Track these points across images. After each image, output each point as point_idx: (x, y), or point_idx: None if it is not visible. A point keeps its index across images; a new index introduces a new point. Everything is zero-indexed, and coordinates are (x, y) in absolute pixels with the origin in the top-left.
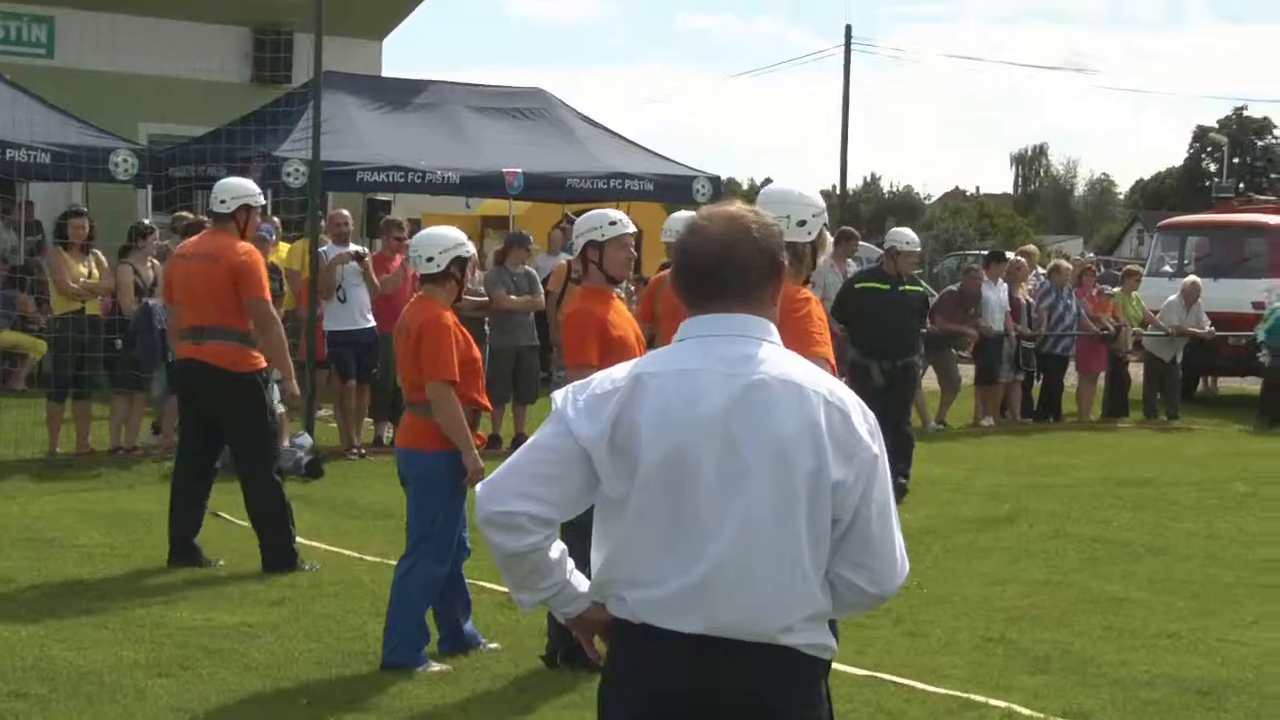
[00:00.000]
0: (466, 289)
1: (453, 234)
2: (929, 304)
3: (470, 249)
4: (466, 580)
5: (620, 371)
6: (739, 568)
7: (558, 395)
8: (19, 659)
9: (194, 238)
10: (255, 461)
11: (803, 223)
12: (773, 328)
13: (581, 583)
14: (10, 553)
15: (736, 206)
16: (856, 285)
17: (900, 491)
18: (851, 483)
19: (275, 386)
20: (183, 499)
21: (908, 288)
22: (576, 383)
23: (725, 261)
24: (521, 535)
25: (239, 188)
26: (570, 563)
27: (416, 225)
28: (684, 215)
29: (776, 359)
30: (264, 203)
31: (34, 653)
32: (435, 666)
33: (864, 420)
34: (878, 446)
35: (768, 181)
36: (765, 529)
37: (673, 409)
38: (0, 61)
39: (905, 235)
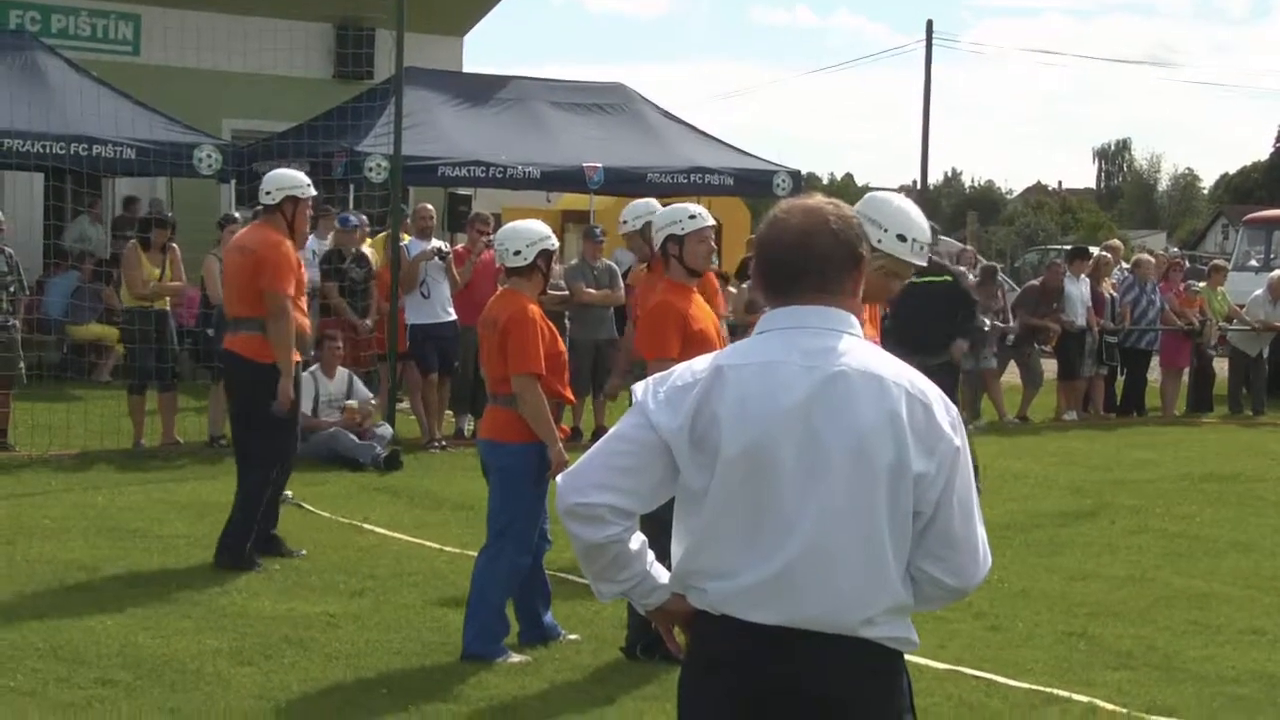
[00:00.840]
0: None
1: (539, 227)
2: (964, 294)
3: (555, 242)
4: (547, 571)
5: (701, 364)
6: (819, 560)
7: (638, 387)
8: (105, 646)
9: (243, 229)
10: (261, 452)
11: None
12: (854, 319)
13: (661, 574)
14: (96, 542)
15: (815, 199)
16: None
17: None
18: (933, 475)
19: (356, 381)
20: None
21: (932, 279)
22: (657, 375)
23: (804, 253)
24: (602, 527)
25: (284, 179)
26: (650, 554)
27: (498, 220)
28: (642, 203)
29: (857, 351)
30: (313, 194)
31: (119, 640)
32: (515, 657)
33: (946, 412)
34: (960, 439)
35: (848, 177)
36: (845, 521)
37: (753, 401)
38: (88, 59)
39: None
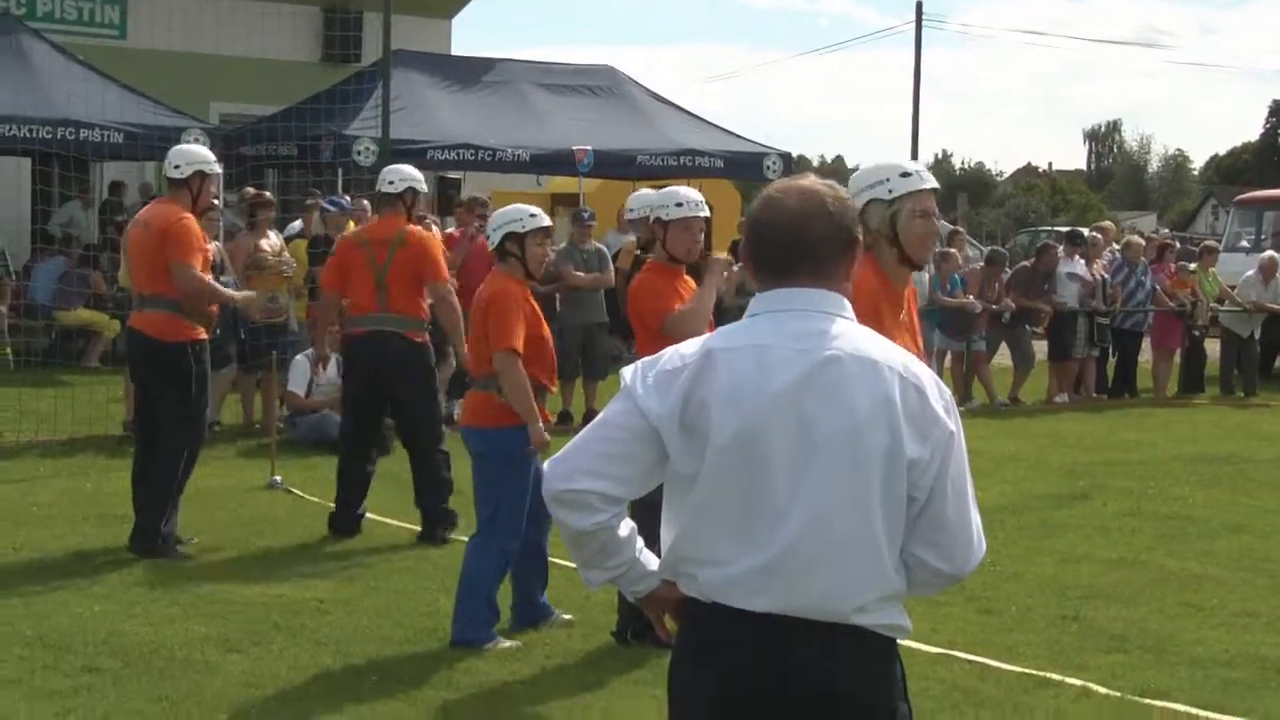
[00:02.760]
0: None
1: (525, 211)
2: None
3: (547, 221)
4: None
5: (690, 347)
6: (811, 548)
7: (626, 372)
8: (92, 634)
9: (146, 206)
10: (172, 434)
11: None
12: (846, 303)
13: (651, 561)
14: (83, 529)
15: (810, 180)
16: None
17: None
18: (927, 460)
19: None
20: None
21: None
22: (646, 359)
23: (798, 236)
24: (590, 513)
25: (193, 154)
26: (639, 541)
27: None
28: (643, 194)
29: (850, 334)
30: (219, 171)
31: (106, 627)
32: (504, 643)
33: (940, 397)
34: (954, 424)
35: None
36: (838, 508)
37: (744, 386)
38: (74, 42)
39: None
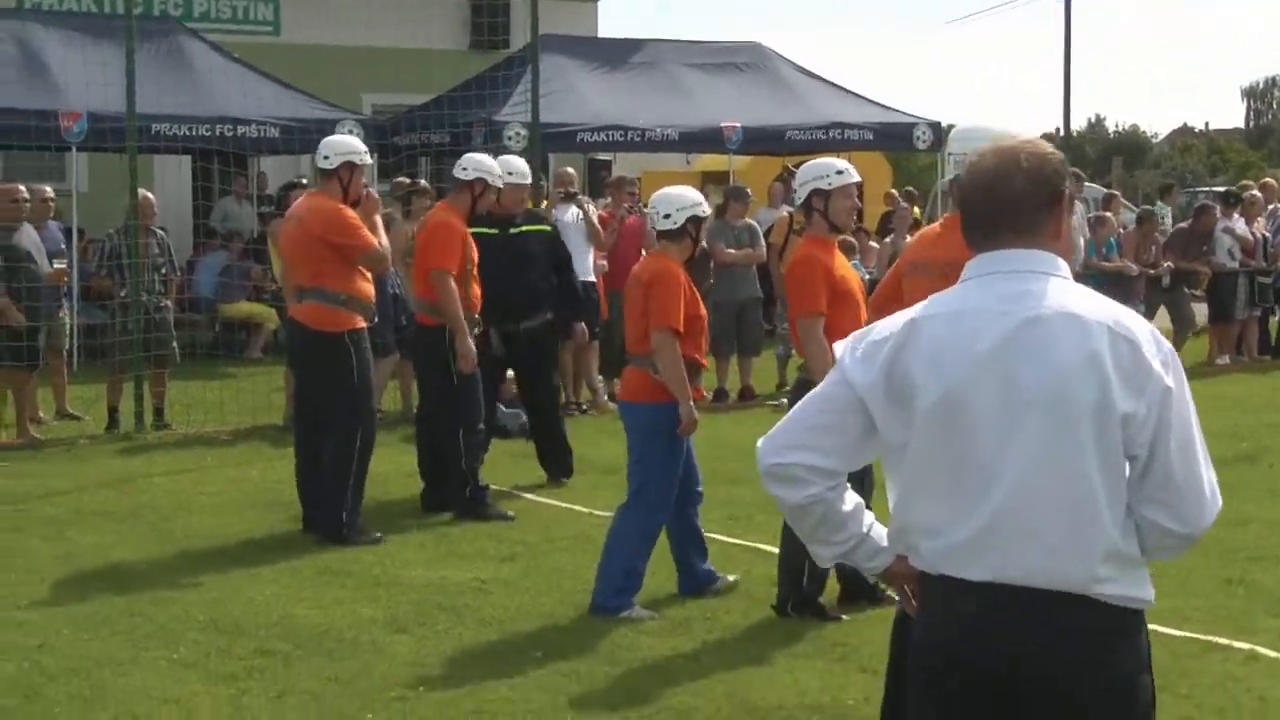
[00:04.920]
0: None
1: (690, 194)
2: (561, 246)
3: (706, 208)
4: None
5: (901, 317)
6: (1025, 509)
7: (838, 346)
8: (263, 617)
9: (300, 198)
10: (342, 422)
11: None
12: (1058, 261)
13: (883, 536)
14: (250, 516)
15: (1010, 140)
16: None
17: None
18: (1143, 416)
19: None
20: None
21: (526, 228)
22: (858, 332)
23: (997, 196)
24: (801, 487)
25: (341, 144)
26: (869, 516)
27: (635, 183)
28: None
29: (1056, 292)
30: (369, 161)
31: (277, 611)
32: (641, 612)
33: (1157, 350)
34: (1172, 379)
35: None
36: (1049, 467)
37: (945, 351)
38: (229, 41)
39: (509, 165)
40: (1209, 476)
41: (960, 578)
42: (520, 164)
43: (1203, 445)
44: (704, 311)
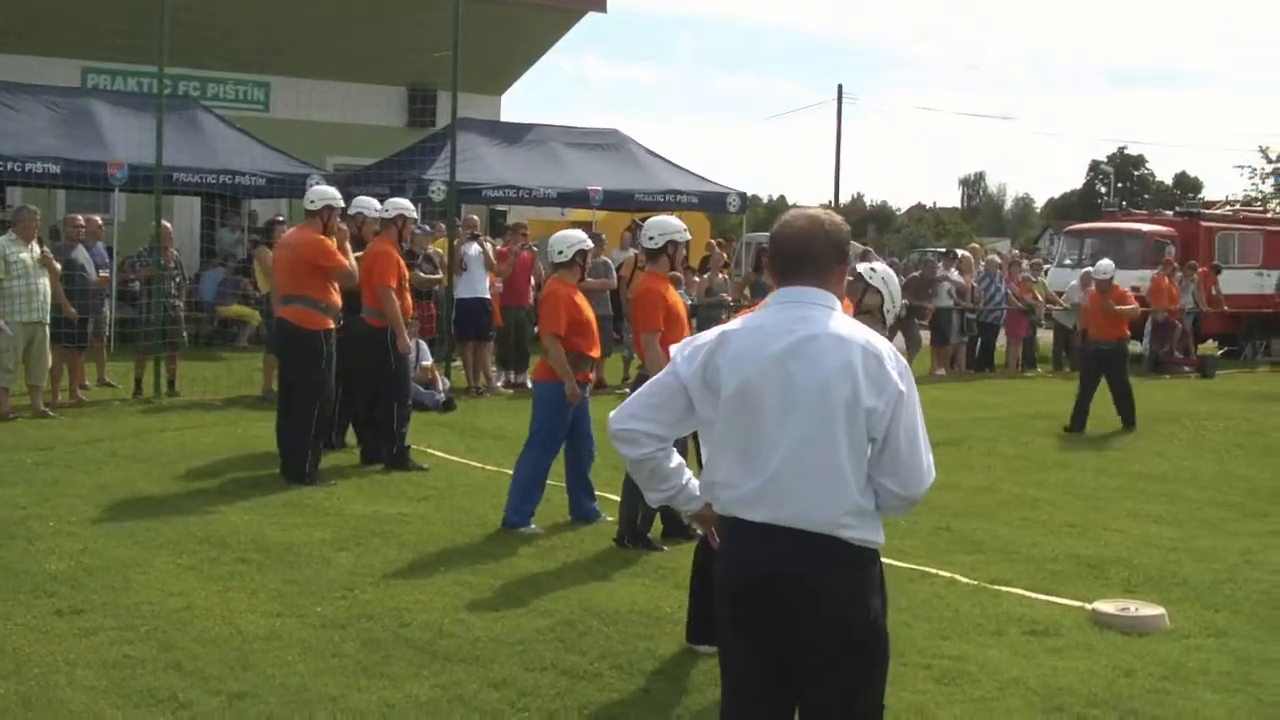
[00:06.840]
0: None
1: (577, 235)
2: None
3: (590, 244)
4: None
5: (716, 330)
6: (793, 472)
7: (674, 348)
8: (242, 535)
9: (289, 231)
10: (306, 397)
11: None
12: (834, 298)
13: (696, 488)
14: (232, 461)
15: (814, 209)
16: None
17: None
18: (882, 410)
19: (423, 347)
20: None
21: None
22: (687, 338)
23: (803, 248)
24: (639, 446)
25: (325, 193)
26: (688, 473)
27: (526, 227)
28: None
29: (831, 321)
30: (343, 206)
31: (251, 531)
32: (534, 529)
33: (895, 364)
34: (905, 385)
35: (781, 197)
36: (812, 443)
37: (744, 354)
38: (232, 114)
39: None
40: (928, 457)
41: (747, 519)
42: (374, 203)
43: (924, 433)
44: (590, 315)
